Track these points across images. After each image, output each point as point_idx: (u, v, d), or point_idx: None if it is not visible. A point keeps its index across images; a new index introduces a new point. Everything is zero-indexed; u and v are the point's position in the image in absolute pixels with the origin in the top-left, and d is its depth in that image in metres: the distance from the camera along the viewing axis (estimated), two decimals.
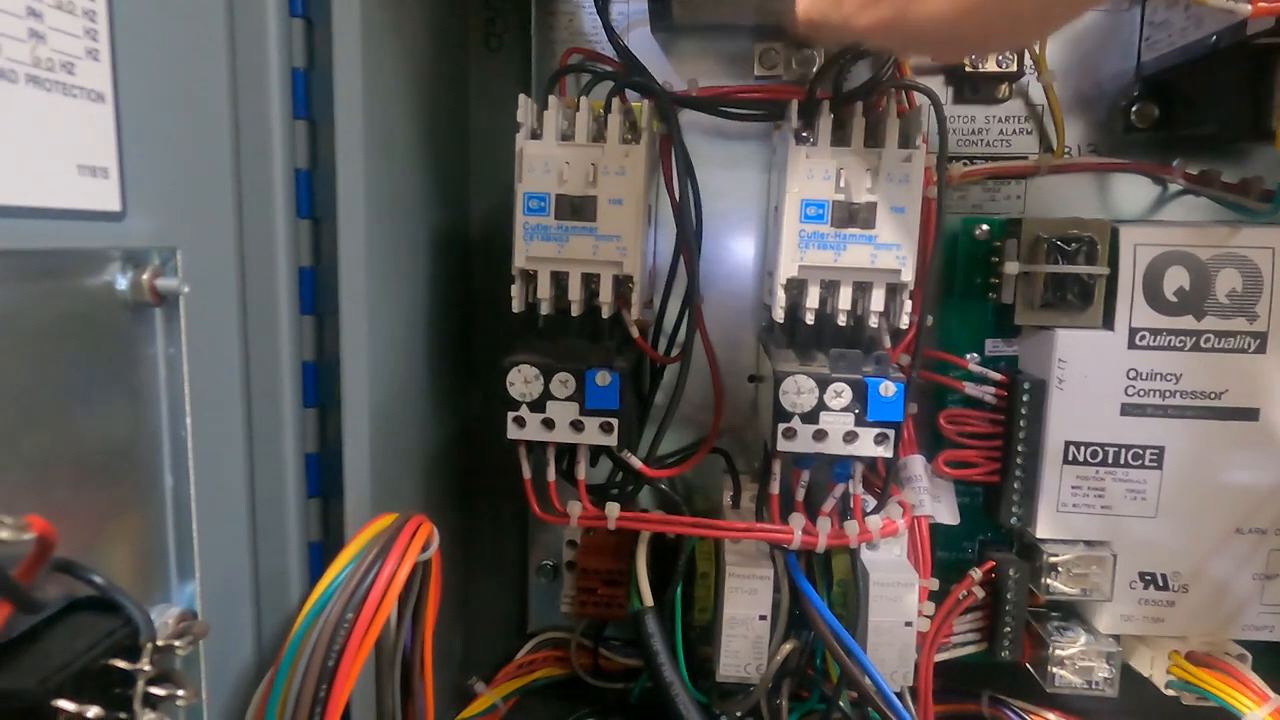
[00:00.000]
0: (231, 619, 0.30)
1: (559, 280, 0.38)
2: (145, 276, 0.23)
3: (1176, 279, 0.41)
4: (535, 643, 0.50)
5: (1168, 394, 0.41)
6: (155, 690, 0.21)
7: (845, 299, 0.37)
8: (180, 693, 0.22)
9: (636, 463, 0.40)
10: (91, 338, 0.23)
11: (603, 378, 0.37)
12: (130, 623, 0.21)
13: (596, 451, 0.40)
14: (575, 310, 0.38)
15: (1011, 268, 0.41)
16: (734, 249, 0.49)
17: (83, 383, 0.22)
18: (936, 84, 0.46)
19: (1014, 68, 0.44)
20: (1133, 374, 0.41)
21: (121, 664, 0.20)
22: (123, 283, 0.23)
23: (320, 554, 0.32)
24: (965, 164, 0.46)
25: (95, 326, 0.23)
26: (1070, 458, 0.42)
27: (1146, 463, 0.41)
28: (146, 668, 0.20)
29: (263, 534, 0.30)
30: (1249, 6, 0.33)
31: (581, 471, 0.40)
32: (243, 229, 0.29)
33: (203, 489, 0.27)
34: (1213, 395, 0.41)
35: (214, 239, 0.28)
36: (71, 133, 0.22)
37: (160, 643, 0.21)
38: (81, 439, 0.22)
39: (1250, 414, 0.41)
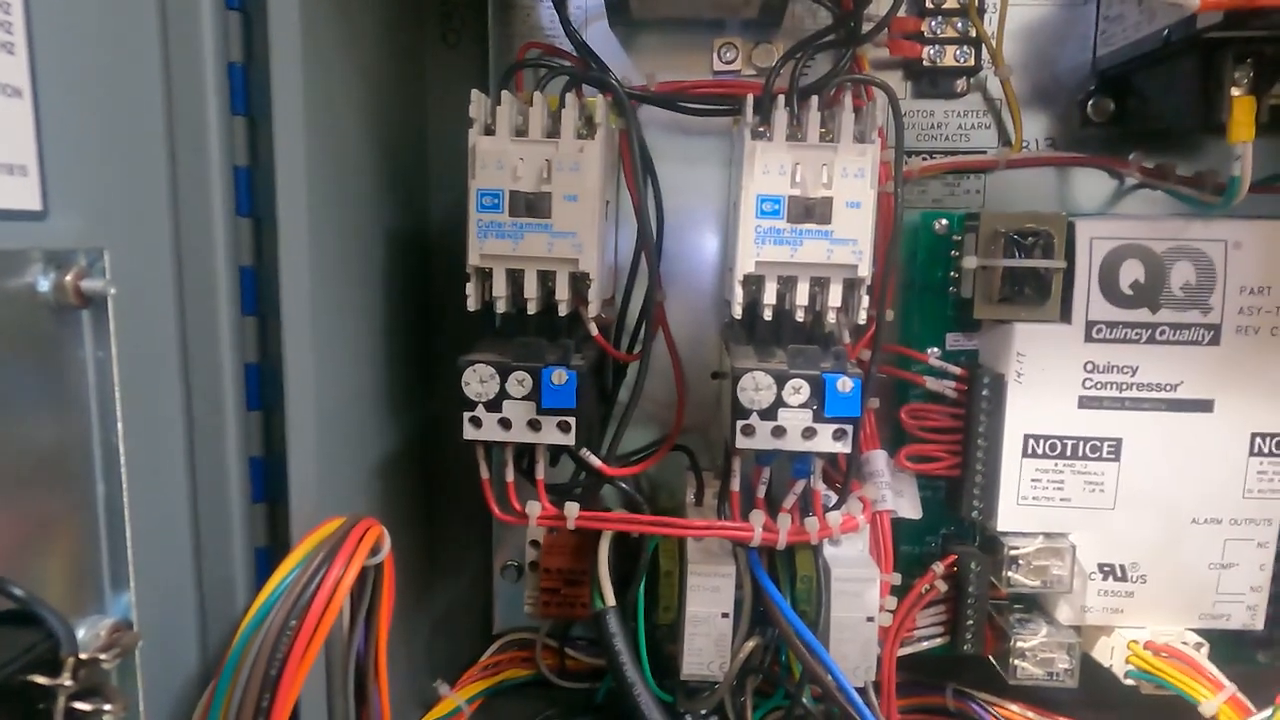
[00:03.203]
0: (173, 628, 0.29)
1: (515, 278, 0.37)
2: (69, 278, 0.23)
3: (1132, 272, 0.41)
4: (501, 644, 0.50)
5: (1124, 386, 0.41)
6: (80, 705, 0.21)
7: (803, 295, 0.37)
8: (108, 707, 0.21)
9: (595, 461, 0.40)
10: (12, 341, 0.22)
11: (559, 376, 0.36)
12: (51, 636, 0.20)
13: (558, 450, 0.40)
14: (532, 308, 0.37)
15: (970, 262, 0.41)
16: (696, 245, 0.48)
17: (3, 388, 0.22)
18: (895, 78, 0.46)
19: (971, 62, 0.44)
20: (1090, 367, 0.41)
21: (41, 679, 0.19)
22: (45, 284, 0.22)
23: (267, 559, 0.31)
24: (925, 158, 0.46)
25: (16, 330, 0.22)
26: (1029, 451, 0.42)
27: (1104, 455, 0.42)
28: (67, 682, 0.20)
29: (206, 540, 0.30)
30: (1197, 1, 0.33)
31: (540, 471, 0.39)
32: (179, 228, 0.28)
33: (138, 496, 0.26)
34: (1168, 387, 0.41)
35: (148, 238, 0.27)
36: None
37: (84, 656, 0.21)
38: (3, 446, 0.22)
39: (1205, 405, 0.41)
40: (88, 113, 0.25)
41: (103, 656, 0.22)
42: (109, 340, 0.24)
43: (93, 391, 0.24)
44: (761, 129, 0.37)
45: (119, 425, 0.25)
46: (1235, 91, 0.35)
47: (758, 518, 0.39)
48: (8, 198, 0.22)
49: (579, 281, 0.37)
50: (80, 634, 0.23)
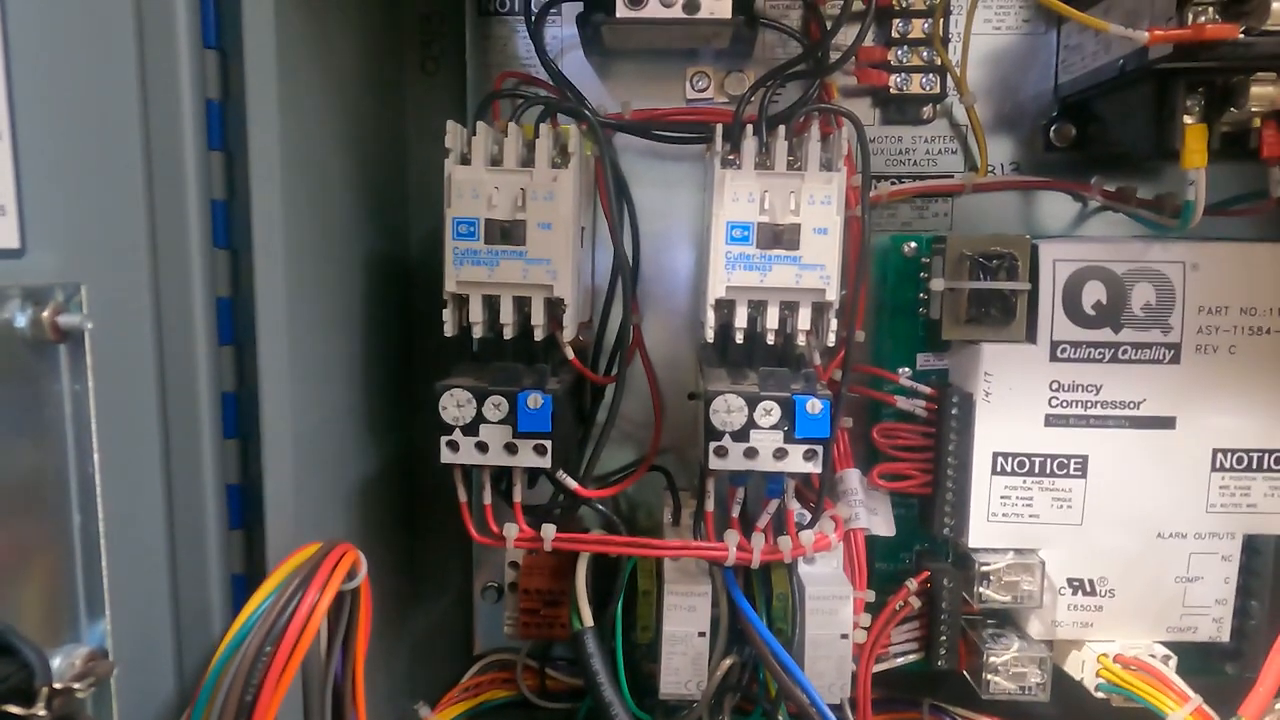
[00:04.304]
0: (150, 655, 0.29)
1: (491, 304, 0.38)
2: (46, 314, 0.23)
3: (1094, 293, 0.42)
4: (481, 665, 0.50)
5: (1089, 404, 0.42)
6: None
7: (773, 318, 0.38)
8: None
9: (572, 484, 0.40)
10: None
11: (535, 400, 0.37)
12: (25, 667, 0.20)
13: (536, 473, 0.40)
14: (509, 333, 0.38)
15: (937, 284, 0.42)
16: (673, 267, 0.49)
17: None
18: (863, 105, 0.47)
19: (937, 89, 0.45)
20: (1055, 386, 0.42)
21: (15, 710, 0.20)
22: (22, 320, 0.23)
23: (244, 586, 0.31)
24: (893, 183, 0.47)
25: None
26: (999, 468, 0.43)
27: (1071, 472, 0.43)
28: (41, 713, 0.20)
29: (183, 567, 0.30)
30: (1146, 34, 0.34)
31: (518, 494, 0.40)
32: (157, 261, 0.28)
33: (115, 524, 0.26)
34: (1132, 405, 0.42)
35: (126, 272, 0.28)
36: None
37: (58, 685, 0.21)
38: None
39: (1168, 422, 0.42)
40: (66, 150, 0.25)
41: (77, 686, 0.22)
42: (86, 374, 0.25)
43: (69, 423, 0.25)
44: (731, 157, 0.38)
45: (95, 456, 0.25)
46: (1188, 120, 0.37)
47: (732, 537, 0.40)
48: None
49: (554, 307, 0.38)
50: (55, 663, 0.24)
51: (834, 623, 0.41)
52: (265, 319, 0.30)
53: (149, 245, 0.28)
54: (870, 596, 0.42)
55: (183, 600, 0.30)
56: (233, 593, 0.31)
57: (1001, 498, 0.43)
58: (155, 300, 0.29)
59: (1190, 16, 0.34)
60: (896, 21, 0.45)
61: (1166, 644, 0.43)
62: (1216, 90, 0.37)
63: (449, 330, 0.38)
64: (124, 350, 0.28)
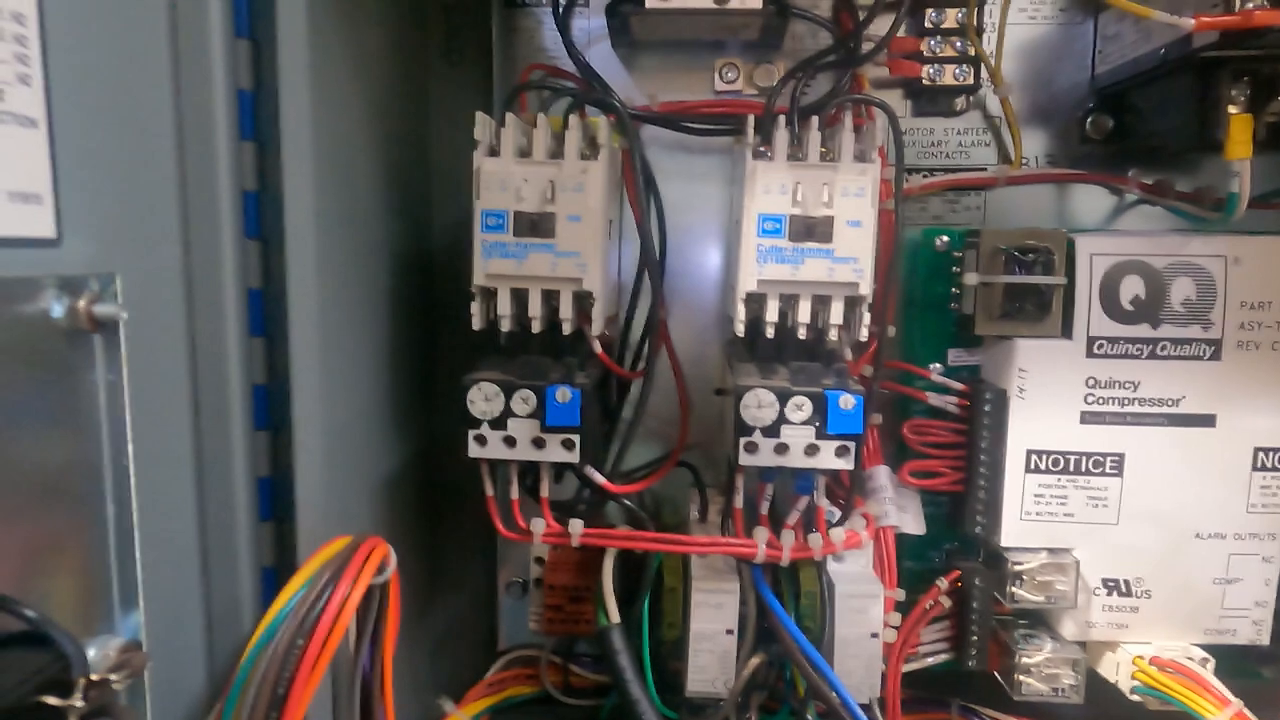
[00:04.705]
0: (181, 648, 0.29)
1: (519, 297, 0.38)
2: (82, 303, 0.23)
3: (1132, 288, 0.41)
4: (505, 660, 0.50)
5: (1126, 401, 0.41)
6: None
7: (805, 312, 0.37)
8: None
9: (600, 479, 0.40)
10: (25, 366, 0.22)
11: (563, 394, 0.37)
12: (62, 657, 0.20)
13: (562, 468, 0.40)
14: (536, 327, 0.38)
15: (971, 279, 0.42)
16: (699, 262, 0.49)
17: (16, 411, 0.22)
18: (894, 97, 0.46)
19: (971, 80, 0.44)
20: (1091, 382, 0.41)
21: (53, 700, 0.20)
22: (58, 310, 0.23)
23: (274, 579, 0.31)
24: (925, 175, 0.46)
25: (29, 355, 0.22)
26: (1032, 466, 0.42)
27: (1107, 470, 0.42)
28: (79, 703, 0.20)
29: (214, 560, 0.30)
30: (1193, 21, 0.33)
31: (545, 489, 0.40)
32: (189, 252, 0.28)
33: (148, 516, 0.26)
34: (1170, 402, 0.41)
35: (158, 262, 0.28)
36: (1, 159, 0.21)
37: (95, 677, 0.21)
38: (16, 468, 0.22)
39: (1207, 420, 0.41)
40: (101, 141, 0.25)
41: (113, 677, 0.22)
42: (120, 363, 0.25)
43: (104, 414, 0.24)
44: (763, 149, 0.37)
45: (129, 447, 0.25)
46: (1232, 109, 0.36)
47: (761, 534, 0.39)
48: (23, 226, 0.22)
49: (583, 300, 0.38)
50: (90, 654, 0.24)
51: (864, 621, 0.40)
52: (297, 310, 0.30)
53: (181, 235, 0.28)
54: (900, 595, 0.42)
55: (213, 592, 0.30)
56: (263, 585, 0.31)
57: (1035, 496, 0.42)
58: (188, 291, 0.29)
59: (1238, 2, 0.33)
60: (930, 11, 0.44)
61: (1203, 646, 0.42)
62: (1262, 78, 0.36)
63: (476, 324, 0.38)
64: (156, 341, 0.28)
